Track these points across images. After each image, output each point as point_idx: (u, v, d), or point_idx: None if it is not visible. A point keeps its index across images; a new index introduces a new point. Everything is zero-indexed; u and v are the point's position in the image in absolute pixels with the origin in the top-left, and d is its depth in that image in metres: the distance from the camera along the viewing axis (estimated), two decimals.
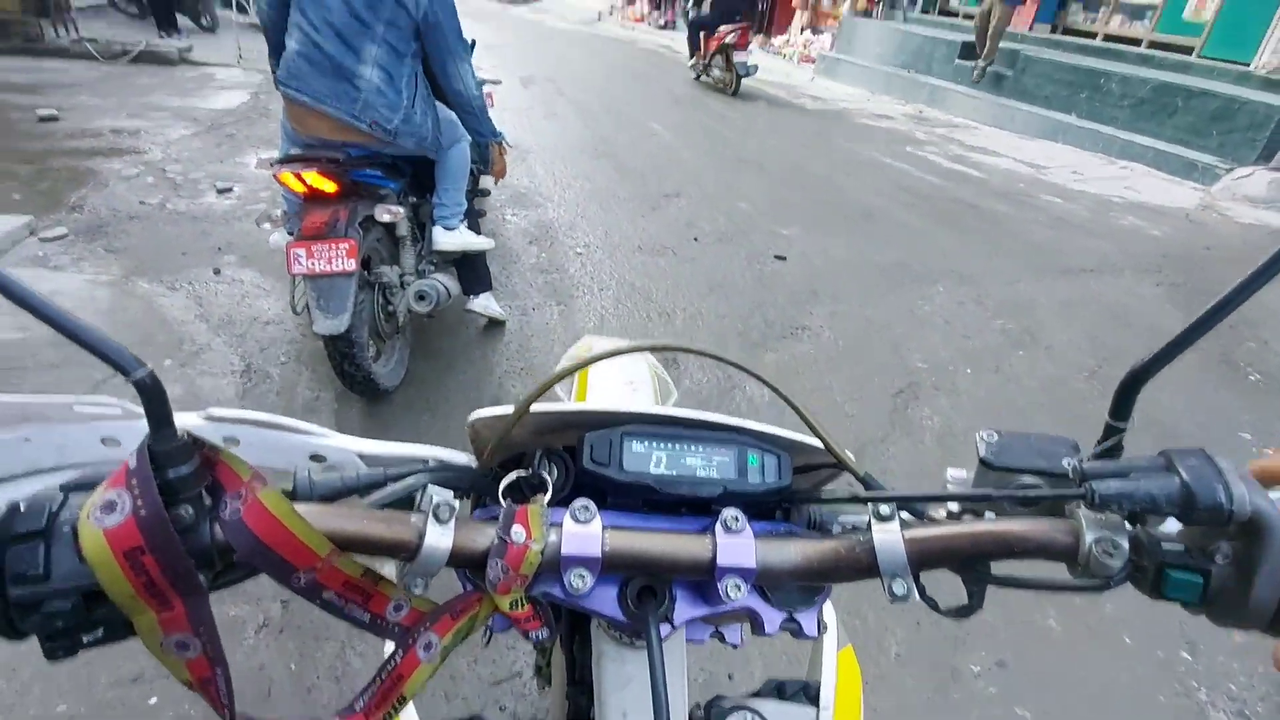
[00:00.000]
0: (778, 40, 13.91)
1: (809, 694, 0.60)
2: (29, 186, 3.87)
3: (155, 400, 0.32)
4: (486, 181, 3.26)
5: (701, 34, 8.94)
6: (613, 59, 11.98)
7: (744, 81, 8.81)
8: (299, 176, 1.95)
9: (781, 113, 8.44)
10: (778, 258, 3.87)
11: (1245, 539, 0.34)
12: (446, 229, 2.48)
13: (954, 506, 0.45)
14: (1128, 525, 0.37)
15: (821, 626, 0.47)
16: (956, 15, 10.60)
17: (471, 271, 2.71)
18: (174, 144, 4.91)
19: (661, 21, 17.56)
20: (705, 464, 0.46)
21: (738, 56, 8.26)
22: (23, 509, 0.31)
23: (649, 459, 0.45)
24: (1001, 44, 8.26)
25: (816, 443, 0.46)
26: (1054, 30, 9.16)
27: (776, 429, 0.48)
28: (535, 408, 0.43)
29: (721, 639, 0.62)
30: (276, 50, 2.12)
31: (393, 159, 2.21)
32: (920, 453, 2.41)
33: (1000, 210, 5.19)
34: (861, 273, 3.82)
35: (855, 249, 4.13)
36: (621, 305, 3.22)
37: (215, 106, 6.10)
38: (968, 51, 8.84)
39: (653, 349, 0.49)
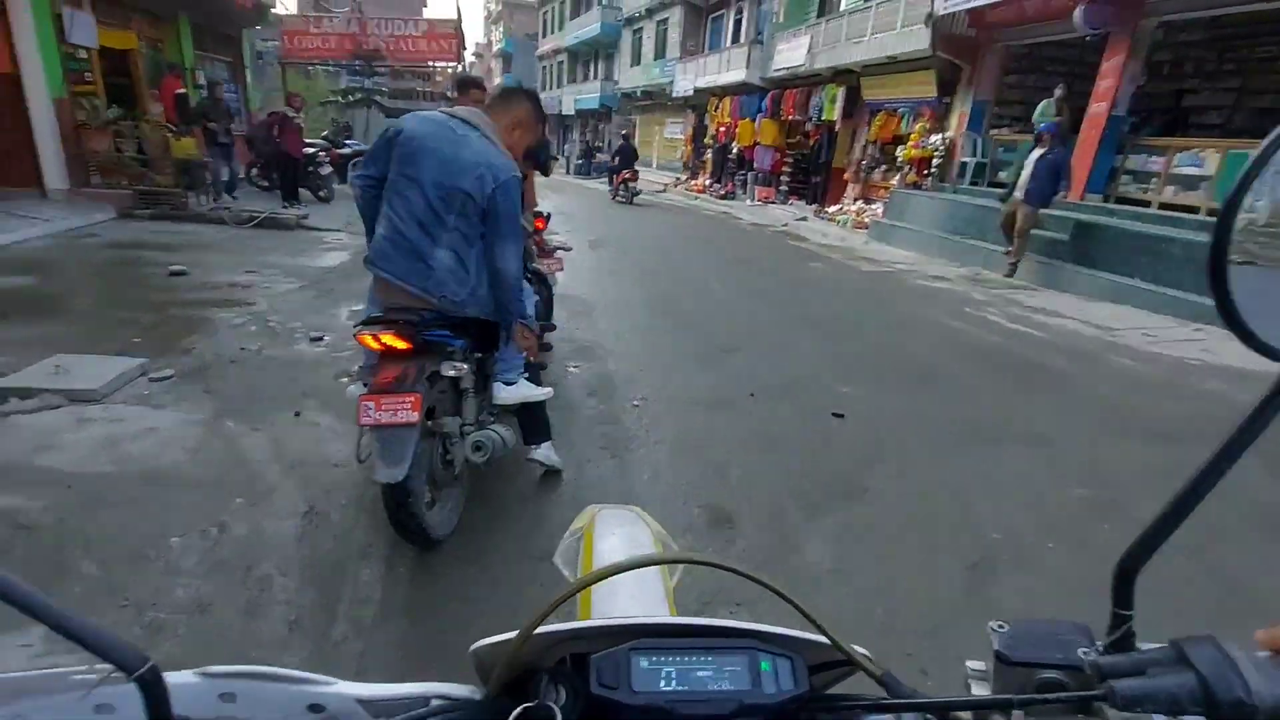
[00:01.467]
0: (832, 208, 14.76)
1: None
2: (149, 331, 4.33)
3: (157, 698, 0.33)
4: (548, 336, 3.42)
5: (613, 175, 16.86)
6: (675, 225, 12.91)
7: (806, 246, 9.28)
8: (376, 337, 2.15)
9: (838, 273, 8.75)
10: (836, 415, 3.84)
11: None
12: (506, 383, 2.63)
13: (976, 688, 0.46)
14: None
15: None
16: (1005, 186, 11.08)
17: (531, 421, 2.81)
18: (280, 297, 5.46)
19: (722, 192, 19.03)
20: (717, 675, 0.45)
21: (631, 186, 16.01)
22: None
23: (659, 676, 0.44)
24: (1057, 211, 8.49)
25: (827, 641, 0.46)
26: (1105, 200, 9.40)
27: (785, 630, 0.47)
28: (540, 629, 0.44)
29: None
30: (370, 234, 2.42)
31: (461, 320, 2.39)
32: None
33: (1069, 370, 5.06)
34: (924, 432, 3.72)
35: (917, 408, 4.06)
36: (676, 460, 3.21)
37: (320, 264, 6.83)
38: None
39: (654, 563, 0.51)
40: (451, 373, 2.31)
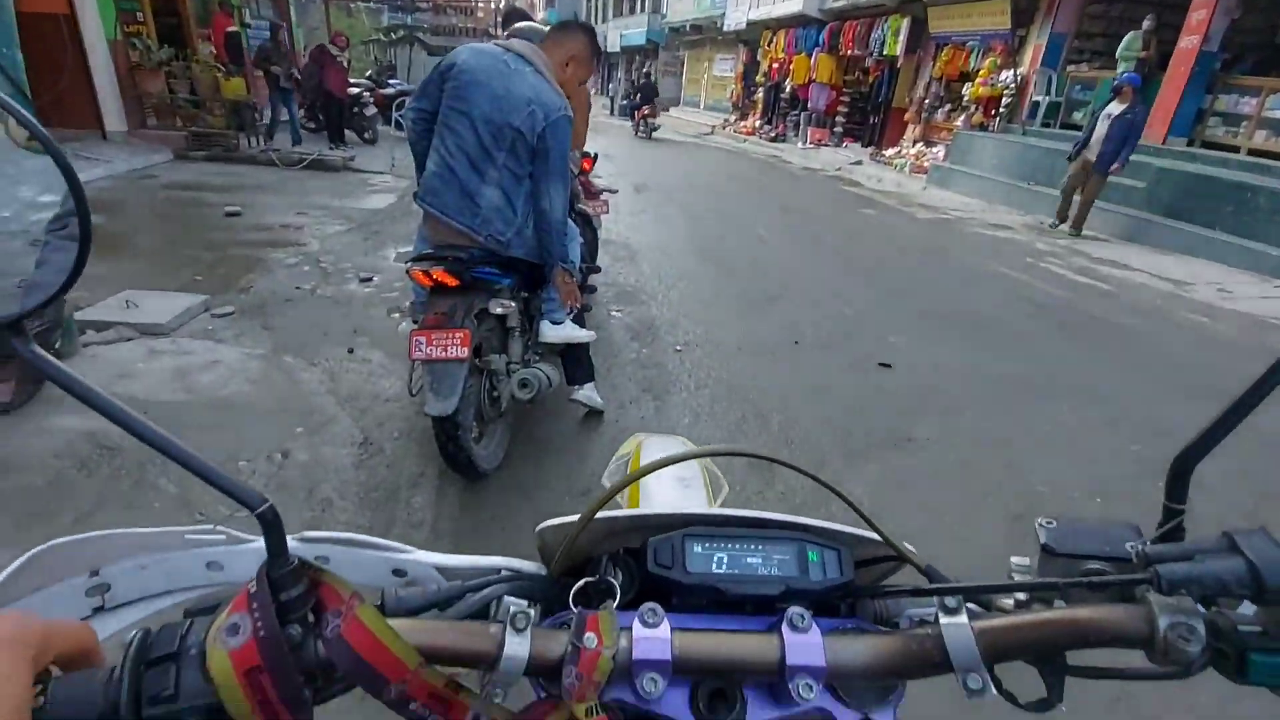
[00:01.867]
0: (889, 151, 14.12)
1: None
2: (210, 270, 4.50)
3: (274, 531, 0.35)
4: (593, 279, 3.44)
5: (635, 111, 17.68)
6: (723, 169, 12.57)
7: (859, 191, 8.96)
8: (427, 273, 2.21)
9: (892, 221, 8.45)
10: (883, 365, 3.77)
11: None
12: (553, 323, 2.66)
13: (1021, 595, 0.45)
14: (1201, 609, 0.36)
15: None
16: (1079, 128, 10.39)
17: (575, 362, 2.86)
18: (330, 238, 5.58)
19: (773, 134, 18.37)
20: (766, 562, 0.46)
21: (650, 121, 16.92)
22: (155, 635, 0.34)
23: (711, 560, 0.46)
24: (1134, 157, 7.94)
25: (876, 536, 0.46)
26: (1190, 144, 8.75)
27: (834, 524, 0.48)
28: (600, 514, 0.45)
29: None
30: (421, 169, 2.43)
31: (509, 258, 2.41)
32: None
33: (1135, 326, 4.83)
34: (975, 385, 3.63)
35: (969, 360, 3.95)
36: (717, 405, 3.22)
37: (367, 206, 6.92)
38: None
39: (705, 455, 0.51)
40: (499, 310, 2.36)
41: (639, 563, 0.47)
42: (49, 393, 2.72)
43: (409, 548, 0.51)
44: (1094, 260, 6.78)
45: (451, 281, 2.22)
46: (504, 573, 0.49)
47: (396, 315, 2.43)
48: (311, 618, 0.36)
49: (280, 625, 0.33)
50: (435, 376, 2.14)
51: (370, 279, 4.57)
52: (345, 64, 10.59)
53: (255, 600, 0.33)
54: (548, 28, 2.59)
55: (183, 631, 0.34)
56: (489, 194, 2.28)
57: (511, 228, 2.33)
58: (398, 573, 0.50)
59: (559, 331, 2.67)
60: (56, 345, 2.72)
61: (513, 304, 2.41)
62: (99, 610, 0.45)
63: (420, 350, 2.10)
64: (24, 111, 0.36)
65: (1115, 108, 7.08)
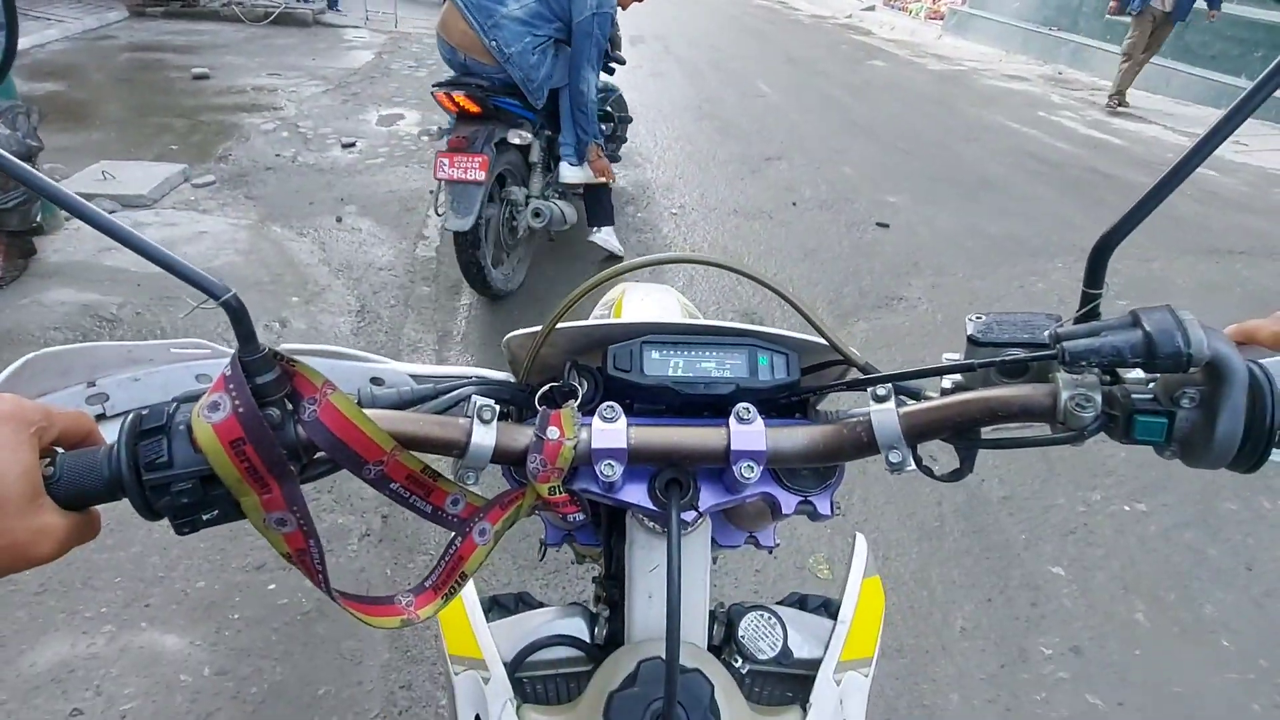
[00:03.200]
0: None
1: (829, 610, 0.63)
2: (183, 139, 4.31)
3: (241, 319, 0.37)
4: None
5: None
6: (725, 16, 11.64)
7: (870, 41, 8.36)
8: (450, 97, 2.39)
9: (901, 73, 7.96)
10: (879, 225, 3.72)
11: (1209, 383, 0.36)
12: (570, 164, 2.79)
13: (947, 384, 0.49)
14: (1103, 383, 0.40)
15: (835, 509, 0.50)
16: None
17: (596, 204, 3.02)
18: (306, 101, 5.29)
19: None
20: (719, 366, 0.49)
21: None
22: (146, 414, 0.37)
23: (667, 364, 0.49)
24: None
25: (823, 341, 0.49)
26: None
27: (783, 331, 0.51)
28: (561, 325, 0.48)
29: (756, 544, 0.66)
30: None
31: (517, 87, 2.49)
32: None
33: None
34: (970, 244, 3.60)
35: (967, 219, 3.89)
36: (709, 270, 3.21)
37: (343, 66, 6.50)
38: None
39: (662, 262, 0.53)
40: (517, 140, 2.51)
41: (601, 370, 0.51)
42: (38, 268, 2.72)
43: (386, 359, 0.53)
44: (1109, 113, 6.46)
45: (473, 108, 2.41)
46: (474, 378, 0.53)
47: (427, 138, 2.51)
48: (289, 405, 0.39)
49: (259, 407, 0.36)
50: (455, 196, 2.35)
51: (353, 144, 4.40)
52: None
53: (231, 381, 0.36)
54: None
55: (170, 410, 0.37)
56: (511, 6, 2.37)
57: (516, 45, 2.39)
58: (375, 380, 0.53)
59: (575, 173, 2.80)
60: (38, 219, 2.68)
61: (531, 137, 2.55)
62: (101, 418, 0.49)
63: (443, 171, 2.32)
64: None
65: None
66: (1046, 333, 0.42)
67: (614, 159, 3.38)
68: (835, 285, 3.12)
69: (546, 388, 0.50)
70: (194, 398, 0.38)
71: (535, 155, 2.70)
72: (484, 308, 2.77)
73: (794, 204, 3.95)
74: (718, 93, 6.45)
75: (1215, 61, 6.89)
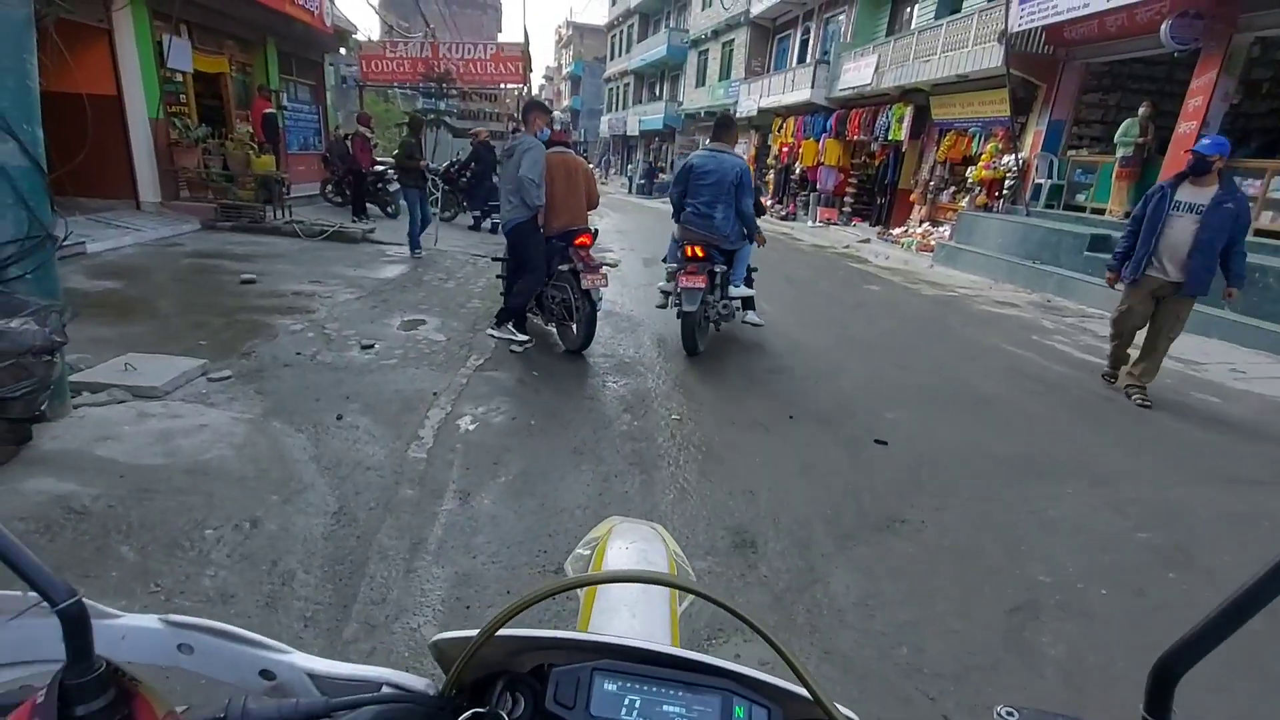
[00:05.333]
0: (896, 230, 14.37)
1: None
2: (215, 336, 4.58)
3: (77, 632, 0.31)
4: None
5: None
6: None
7: (866, 268, 9.05)
8: (693, 248, 4.75)
9: (896, 296, 8.48)
10: (878, 442, 3.68)
11: None
12: (734, 285, 5.05)
13: None
14: None
15: None
16: (1083, 210, 10.54)
17: (747, 301, 5.42)
18: (339, 305, 5.69)
19: (783, 213, 18.84)
20: (685, 713, 0.40)
21: (688, 288, 9.85)
22: None
23: (620, 703, 0.40)
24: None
25: (808, 695, 0.41)
26: None
27: (765, 675, 0.43)
28: (502, 633, 0.41)
29: None
30: (678, 211, 5.00)
31: (719, 249, 4.88)
32: (1040, 687, 2.02)
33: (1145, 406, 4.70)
34: (975, 464, 3.52)
35: (969, 437, 3.85)
36: (704, 480, 3.14)
37: (379, 276, 7.10)
38: (1097, 245, 8.62)
39: (655, 582, 0.45)
40: (717, 269, 4.85)
41: (539, 696, 0.42)
42: (30, 453, 2.72)
43: (286, 647, 0.46)
44: (1100, 338, 6.68)
45: (701, 254, 4.74)
46: (385, 689, 0.44)
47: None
48: None
49: None
50: (688, 295, 4.70)
51: (371, 346, 4.62)
52: (374, 142, 11.12)
53: (39, 715, 0.29)
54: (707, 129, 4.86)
55: None
56: (718, 215, 4.75)
57: (727, 232, 4.83)
58: (265, 674, 0.45)
59: (738, 290, 5.11)
60: (43, 406, 2.74)
61: (720, 269, 4.88)
62: None
63: (685, 282, 4.67)
64: None
65: (1193, 193, 4.31)
66: None
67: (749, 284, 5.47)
68: (833, 504, 3.00)
69: (470, 715, 0.41)
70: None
71: (720, 279, 4.92)
72: (461, 516, 2.68)
73: (790, 417, 3.96)
74: None
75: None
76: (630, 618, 0.82)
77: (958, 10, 13.46)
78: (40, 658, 0.44)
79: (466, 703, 0.42)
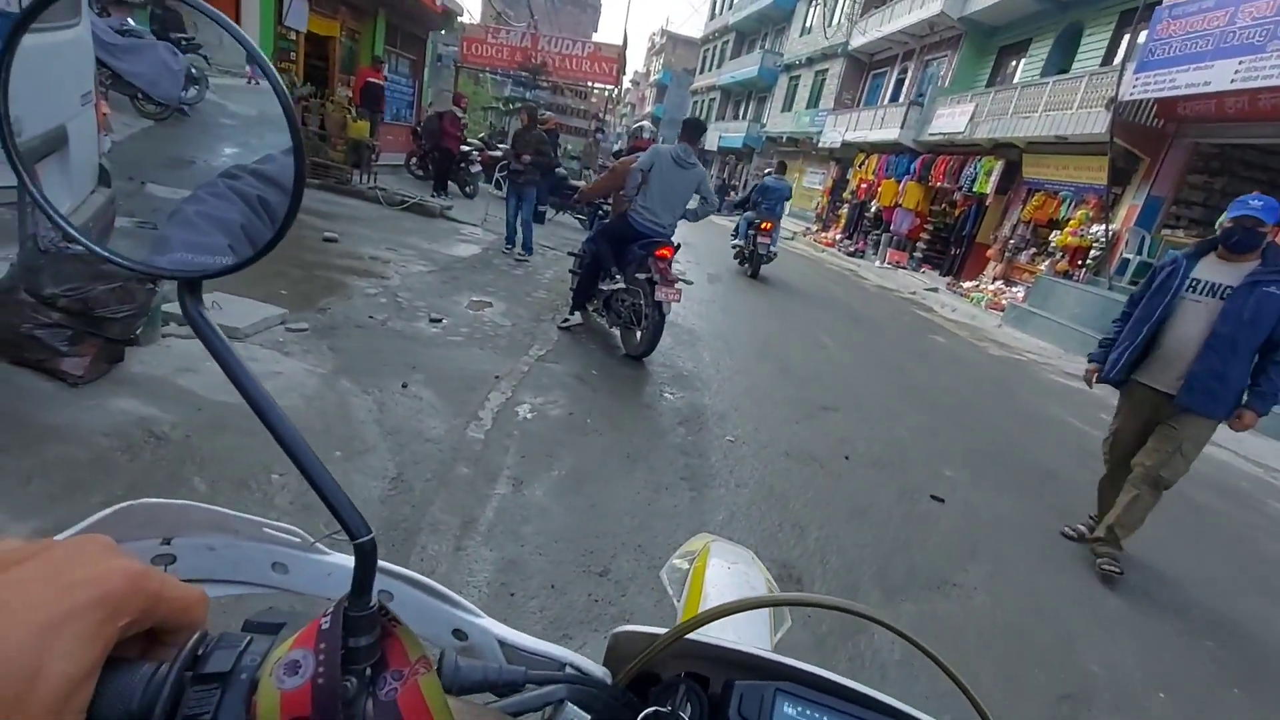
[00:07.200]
0: (967, 284, 14.00)
1: None
2: (294, 287, 4.74)
3: (367, 567, 0.33)
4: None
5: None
6: (798, 273, 12.69)
7: (931, 318, 8.88)
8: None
9: (961, 351, 8.26)
10: (934, 498, 3.57)
11: None
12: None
13: None
14: None
15: None
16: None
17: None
18: (411, 276, 5.83)
19: (852, 249, 18.56)
20: None
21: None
22: (213, 644, 0.32)
23: None
24: None
25: None
26: None
27: None
28: (690, 636, 0.42)
29: None
30: (755, 206, 9.76)
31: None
32: None
33: (1217, 507, 4.46)
34: (1031, 538, 3.38)
35: (1029, 511, 3.71)
36: (755, 507, 3.09)
37: (452, 253, 7.25)
38: None
39: (805, 604, 0.45)
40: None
41: (712, 699, 0.43)
42: (119, 373, 2.86)
43: (477, 610, 0.48)
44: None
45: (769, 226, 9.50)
46: (568, 670, 0.46)
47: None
48: (369, 673, 0.33)
49: (340, 673, 0.30)
50: (763, 244, 9.81)
51: (440, 320, 4.72)
52: (465, 123, 11.40)
53: (324, 640, 0.31)
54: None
55: (240, 649, 0.32)
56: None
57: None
58: (458, 633, 0.47)
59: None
60: (138, 331, 2.87)
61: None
62: None
63: (763, 237, 9.59)
64: (240, 30, 0.37)
65: (1220, 270, 2.99)
66: None
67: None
68: (884, 555, 2.92)
69: (650, 712, 0.42)
70: (268, 624, 0.34)
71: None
72: (512, 502, 2.70)
73: (846, 457, 3.88)
74: (783, 337, 6.79)
75: None
76: (734, 634, 0.81)
77: (1066, 70, 13.10)
78: (294, 586, 0.48)
79: (639, 699, 0.44)
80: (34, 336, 2.58)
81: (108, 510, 0.42)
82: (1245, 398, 2.96)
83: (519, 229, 7.88)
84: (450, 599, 0.47)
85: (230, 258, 0.38)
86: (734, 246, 10.88)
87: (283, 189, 0.38)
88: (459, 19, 15.74)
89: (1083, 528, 3.47)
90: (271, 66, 0.36)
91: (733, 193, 27.53)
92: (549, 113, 12.16)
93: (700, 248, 12.33)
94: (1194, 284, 3.06)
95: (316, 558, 0.47)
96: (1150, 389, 3.17)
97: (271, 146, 0.42)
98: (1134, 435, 3.28)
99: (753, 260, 10.10)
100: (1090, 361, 3.56)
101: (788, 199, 10.52)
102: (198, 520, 0.46)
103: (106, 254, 0.37)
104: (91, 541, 0.30)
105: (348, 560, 0.45)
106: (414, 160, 12.63)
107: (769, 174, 10.58)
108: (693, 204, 4.96)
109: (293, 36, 10.30)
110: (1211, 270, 3.02)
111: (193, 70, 3.63)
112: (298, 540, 0.47)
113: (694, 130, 4.88)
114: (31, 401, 2.48)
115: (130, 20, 4.81)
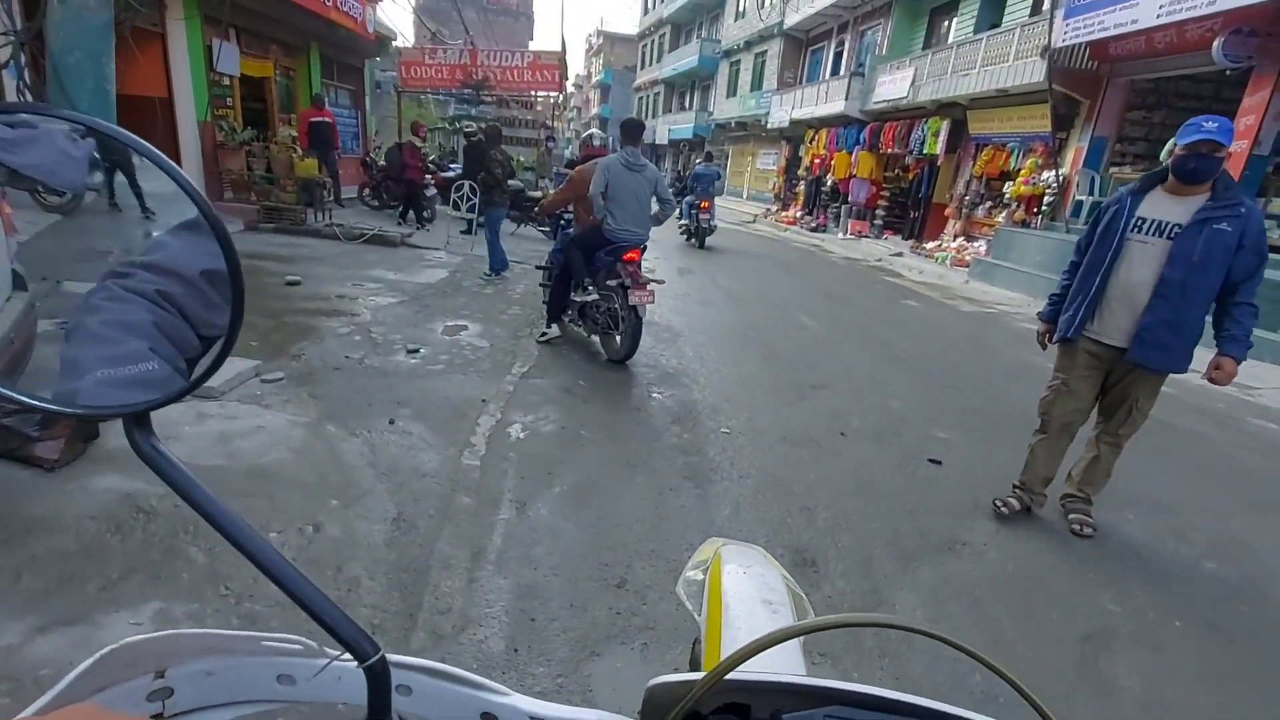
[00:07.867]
0: (930, 244, 14.20)
1: None
2: (264, 337, 4.64)
3: (381, 689, 0.32)
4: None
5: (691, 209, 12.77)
6: (765, 255, 12.78)
7: (901, 282, 8.98)
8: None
9: (935, 313, 8.37)
10: (932, 461, 3.61)
11: None
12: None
13: None
14: None
15: None
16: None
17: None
18: (382, 310, 5.75)
19: (813, 224, 18.72)
20: None
21: (702, 217, 12.55)
22: None
23: None
24: None
25: None
26: None
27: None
28: (732, 676, 0.40)
29: None
30: (691, 191, 12.18)
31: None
32: (1119, 718, 1.95)
33: (1198, 430, 4.58)
34: None
35: (1022, 460, 3.76)
36: (760, 496, 3.10)
37: (419, 281, 7.16)
38: None
39: (843, 625, 0.42)
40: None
41: None
42: (96, 451, 2.77)
43: (504, 689, 0.46)
44: None
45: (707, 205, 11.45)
46: None
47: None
48: None
49: None
50: (706, 219, 12.17)
51: (417, 350, 4.66)
52: (426, 152, 11.27)
53: None
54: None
55: None
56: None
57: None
58: (487, 717, 0.45)
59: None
60: None
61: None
62: (157, 717, 0.43)
63: (704, 212, 11.86)
64: (180, 171, 0.35)
65: (1167, 206, 2.71)
66: None
67: None
68: (893, 523, 2.95)
69: None
70: None
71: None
72: (519, 526, 2.67)
73: (842, 434, 3.91)
74: (761, 322, 6.82)
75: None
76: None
77: (998, 24, 13.34)
78: (302, 697, 0.44)
79: None
80: (2, 425, 2.49)
81: (89, 661, 0.39)
82: (1220, 345, 2.70)
83: (497, 248, 7.91)
84: (473, 682, 0.45)
85: (167, 370, 0.35)
86: (680, 226, 13.11)
87: (182, 277, 0.36)
88: (393, 43, 15.54)
89: (1014, 501, 3.11)
90: (204, 201, 0.34)
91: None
92: (471, 122, 12.15)
93: (666, 244, 12.35)
94: (1139, 223, 2.75)
95: (321, 662, 0.45)
96: (1099, 343, 2.86)
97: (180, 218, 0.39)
98: (1082, 398, 2.97)
99: (698, 234, 12.51)
100: (1041, 321, 3.18)
101: (718, 179, 13.79)
102: (189, 647, 0.43)
103: (33, 402, 0.34)
104: (76, 714, 0.28)
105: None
106: (367, 191, 12.45)
107: (699, 163, 13.66)
108: (654, 209, 4.92)
109: (226, 82, 10.08)
110: (1158, 207, 2.72)
111: (95, 154, 3.51)
112: (300, 648, 0.45)
113: (633, 131, 4.86)
114: (10, 493, 2.39)
115: None
